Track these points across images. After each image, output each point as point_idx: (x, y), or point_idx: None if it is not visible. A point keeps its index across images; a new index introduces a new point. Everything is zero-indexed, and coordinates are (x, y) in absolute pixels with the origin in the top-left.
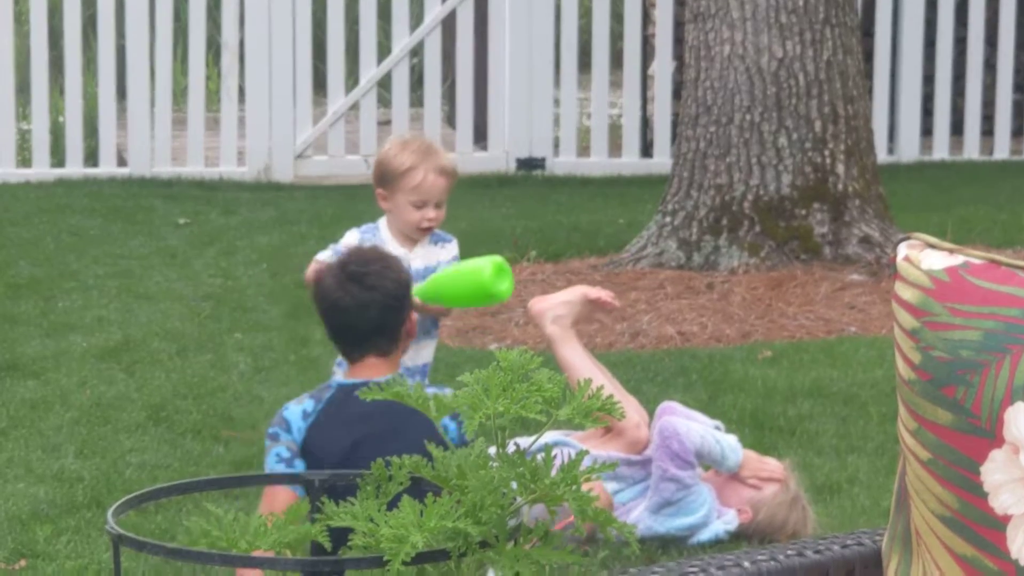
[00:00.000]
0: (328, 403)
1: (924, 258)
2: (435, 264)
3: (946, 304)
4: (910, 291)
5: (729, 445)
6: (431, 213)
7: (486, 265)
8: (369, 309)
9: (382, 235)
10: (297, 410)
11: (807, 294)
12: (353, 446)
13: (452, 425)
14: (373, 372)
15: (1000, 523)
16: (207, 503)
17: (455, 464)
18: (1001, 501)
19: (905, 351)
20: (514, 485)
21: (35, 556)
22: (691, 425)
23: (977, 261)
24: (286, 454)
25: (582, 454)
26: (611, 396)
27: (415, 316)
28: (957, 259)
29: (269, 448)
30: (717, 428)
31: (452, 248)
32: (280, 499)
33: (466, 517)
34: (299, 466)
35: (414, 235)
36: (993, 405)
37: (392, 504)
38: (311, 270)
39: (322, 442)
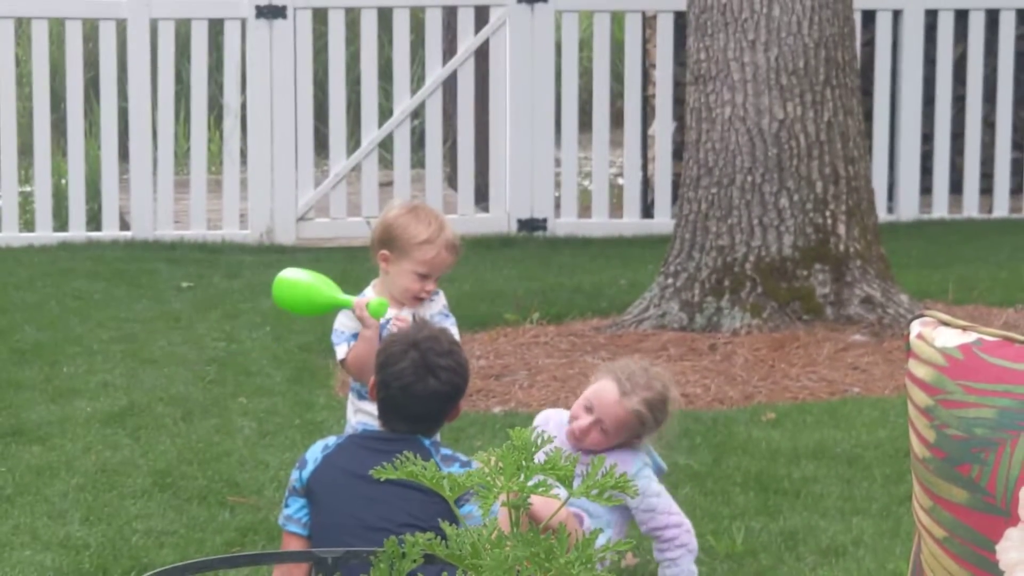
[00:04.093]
0: (349, 438)
1: (938, 336)
2: (428, 317)
3: (960, 382)
4: (924, 369)
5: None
6: (431, 286)
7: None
8: (436, 401)
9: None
10: (320, 444)
11: (810, 355)
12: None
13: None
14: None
15: None
16: None
17: (469, 543)
18: None
19: (920, 429)
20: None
21: None
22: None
23: (991, 339)
24: (285, 493)
25: (596, 532)
26: (624, 475)
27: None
28: (971, 337)
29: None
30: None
31: (440, 298)
32: (293, 547)
33: None
34: (293, 505)
35: (408, 302)
36: (1008, 483)
37: None
38: (349, 355)
39: (331, 468)
